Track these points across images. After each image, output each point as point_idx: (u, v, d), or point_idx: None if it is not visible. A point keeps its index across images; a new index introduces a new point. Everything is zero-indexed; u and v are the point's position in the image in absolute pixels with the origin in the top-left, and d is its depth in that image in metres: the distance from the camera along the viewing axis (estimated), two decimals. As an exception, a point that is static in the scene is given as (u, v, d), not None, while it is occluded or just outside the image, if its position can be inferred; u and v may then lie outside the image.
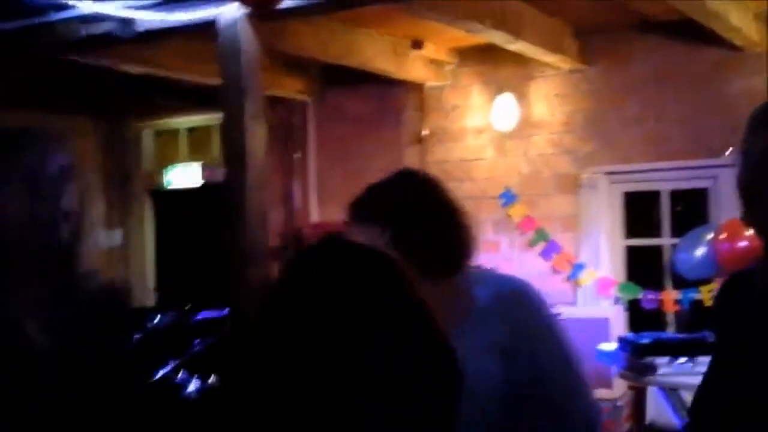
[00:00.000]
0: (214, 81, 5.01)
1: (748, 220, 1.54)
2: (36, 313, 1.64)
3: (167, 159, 8.21)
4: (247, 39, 4.52)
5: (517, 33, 5.50)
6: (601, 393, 5.20)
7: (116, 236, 8.22)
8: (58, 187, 1.84)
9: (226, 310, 4.92)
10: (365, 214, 1.92)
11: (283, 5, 4.35)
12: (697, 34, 5.56)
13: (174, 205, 8.16)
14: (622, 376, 4.70)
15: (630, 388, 4.88)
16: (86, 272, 1.92)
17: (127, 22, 4.91)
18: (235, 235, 4.40)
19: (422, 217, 1.96)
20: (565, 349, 1.96)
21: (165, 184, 8.00)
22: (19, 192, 1.79)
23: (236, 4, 4.43)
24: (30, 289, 1.70)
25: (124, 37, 4.97)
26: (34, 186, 1.80)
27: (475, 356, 1.91)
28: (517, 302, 1.98)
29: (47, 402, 1.14)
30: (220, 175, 7.26)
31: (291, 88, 7.09)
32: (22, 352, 1.56)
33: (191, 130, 8.16)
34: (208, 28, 4.70)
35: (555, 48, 5.93)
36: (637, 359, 4.40)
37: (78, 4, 4.85)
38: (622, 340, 4.49)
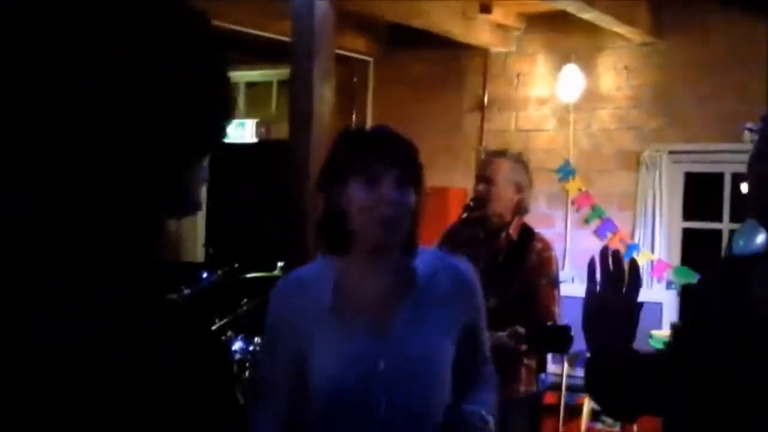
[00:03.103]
0: (282, 37, 4.94)
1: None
2: None
3: (225, 112, 8.20)
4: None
5: (590, 1, 5.34)
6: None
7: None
8: None
9: (276, 270, 4.90)
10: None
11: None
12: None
13: (228, 160, 8.16)
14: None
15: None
16: None
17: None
18: (297, 197, 4.37)
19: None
20: (484, 317, 2.14)
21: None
22: None
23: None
24: None
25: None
26: None
27: (428, 334, 1.99)
28: (461, 279, 2.08)
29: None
30: (275, 133, 7.25)
31: (354, 46, 7.01)
32: None
33: (249, 85, 8.13)
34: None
35: (628, 19, 5.76)
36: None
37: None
38: (674, 327, 4.38)
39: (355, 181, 1.94)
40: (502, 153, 3.61)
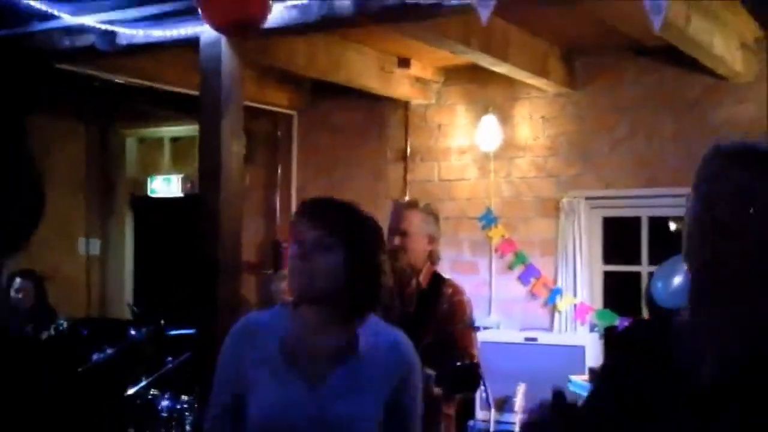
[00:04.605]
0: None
1: (715, 258, 1.46)
2: None
3: (150, 168, 8.18)
4: (229, 58, 4.50)
5: (502, 55, 5.49)
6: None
7: (94, 244, 8.18)
8: None
9: (200, 327, 4.88)
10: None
11: (267, 25, 4.32)
12: (685, 60, 5.54)
13: (155, 214, 8.13)
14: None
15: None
16: None
17: (109, 35, 4.89)
18: (207, 251, 4.39)
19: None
20: (418, 397, 2.26)
21: (149, 192, 7.97)
22: None
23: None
24: None
25: (107, 50, 4.96)
26: None
27: (358, 399, 2.13)
28: (399, 354, 2.22)
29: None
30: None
31: (277, 100, 7.08)
32: None
33: (175, 140, 8.13)
34: (190, 44, 4.68)
35: (541, 71, 5.92)
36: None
37: (61, 14, 4.83)
38: (591, 372, 4.45)
39: (291, 242, 2.21)
40: (413, 204, 3.64)
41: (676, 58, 5.72)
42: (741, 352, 1.42)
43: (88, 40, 4.97)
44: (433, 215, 3.61)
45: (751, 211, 1.43)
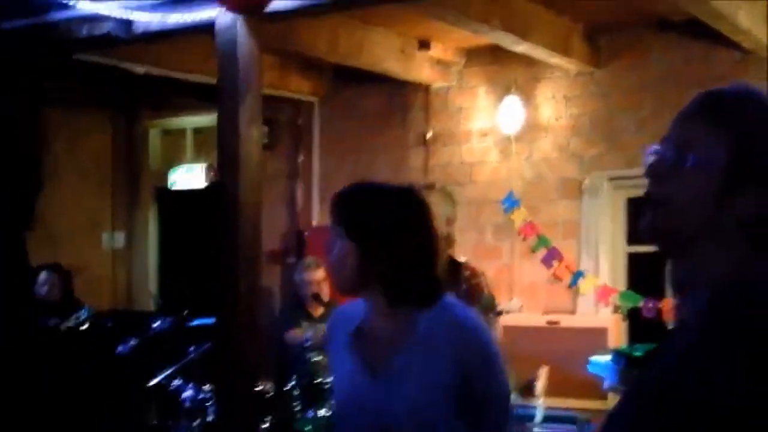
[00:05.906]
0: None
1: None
2: None
3: (173, 158, 8.19)
4: (245, 41, 4.46)
5: (523, 34, 5.42)
6: (595, 404, 5.13)
7: (119, 237, 8.21)
8: None
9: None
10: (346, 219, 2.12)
11: (275, 7, 4.30)
12: (710, 35, 5.44)
13: (179, 206, 8.13)
14: (614, 390, 4.58)
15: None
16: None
17: (125, 23, 4.89)
18: (227, 239, 4.37)
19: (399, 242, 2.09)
20: (499, 371, 2.12)
21: (170, 184, 7.97)
22: None
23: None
24: None
25: (124, 38, 4.95)
26: None
27: (419, 381, 2.06)
28: (459, 336, 2.08)
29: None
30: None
31: (300, 87, 7.05)
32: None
33: (197, 131, 8.13)
34: (206, 29, 4.66)
35: (563, 49, 5.84)
36: (630, 372, 4.30)
37: (77, 3, 4.83)
38: (615, 352, 4.39)
39: None
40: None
41: (701, 33, 5.62)
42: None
43: (105, 28, 4.96)
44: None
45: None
